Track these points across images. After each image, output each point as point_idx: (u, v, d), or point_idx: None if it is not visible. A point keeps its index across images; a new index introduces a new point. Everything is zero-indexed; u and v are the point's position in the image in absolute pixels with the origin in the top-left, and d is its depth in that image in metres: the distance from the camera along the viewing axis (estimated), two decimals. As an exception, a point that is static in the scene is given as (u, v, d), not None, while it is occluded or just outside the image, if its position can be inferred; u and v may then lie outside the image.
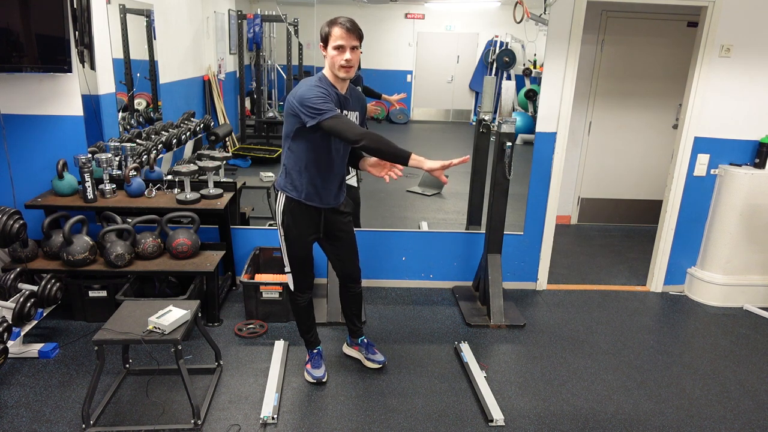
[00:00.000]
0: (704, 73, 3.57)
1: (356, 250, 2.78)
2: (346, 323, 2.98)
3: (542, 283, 4.02)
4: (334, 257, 2.77)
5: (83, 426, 2.36)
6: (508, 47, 5.15)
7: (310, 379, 2.79)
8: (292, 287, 2.71)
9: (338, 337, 3.21)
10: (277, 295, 3.31)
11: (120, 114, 3.69)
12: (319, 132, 2.31)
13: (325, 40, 2.31)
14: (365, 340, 2.99)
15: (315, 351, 2.86)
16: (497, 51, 5.17)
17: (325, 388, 2.76)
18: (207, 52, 4.70)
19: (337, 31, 2.26)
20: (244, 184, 4.07)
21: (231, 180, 3.80)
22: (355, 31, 2.28)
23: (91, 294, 3.22)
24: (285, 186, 2.50)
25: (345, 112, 2.42)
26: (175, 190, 3.48)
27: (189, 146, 4.33)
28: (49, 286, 2.95)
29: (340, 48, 2.27)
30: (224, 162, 3.84)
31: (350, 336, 3.01)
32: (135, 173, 3.39)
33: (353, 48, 2.29)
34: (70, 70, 3.18)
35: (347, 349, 3.04)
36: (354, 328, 2.96)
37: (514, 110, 3.69)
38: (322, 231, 2.64)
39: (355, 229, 2.81)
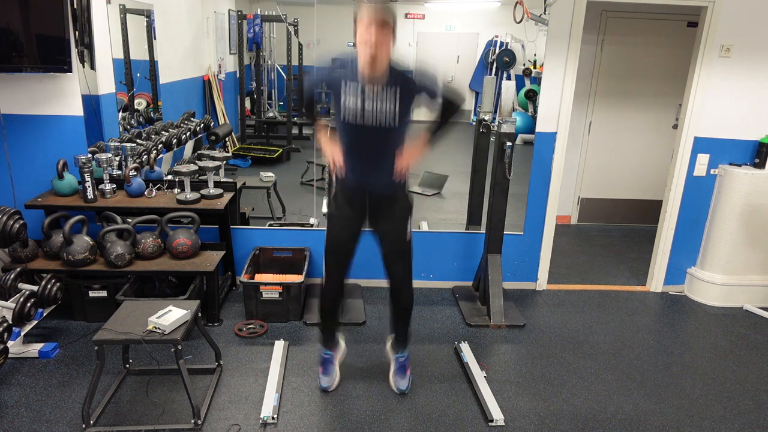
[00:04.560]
0: (704, 73, 3.57)
1: (403, 256, 2.53)
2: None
3: (542, 283, 4.02)
4: (382, 257, 2.57)
5: (83, 426, 2.36)
6: (508, 47, 5.15)
7: (318, 384, 2.75)
8: (323, 280, 2.61)
9: (347, 338, 3.14)
10: (277, 295, 3.31)
11: (120, 114, 3.69)
12: (335, 110, 2.31)
13: (356, 22, 2.18)
14: (401, 361, 2.76)
15: (326, 355, 2.77)
16: (497, 51, 5.17)
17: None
18: (207, 52, 4.70)
19: (365, 11, 2.11)
20: (244, 184, 4.07)
21: (231, 180, 3.80)
22: (385, 15, 2.11)
23: (91, 294, 3.22)
24: None
25: (369, 102, 2.22)
26: (175, 190, 3.48)
27: (189, 146, 4.33)
28: (49, 286, 2.95)
29: (365, 26, 2.11)
30: (224, 162, 3.84)
31: (393, 343, 2.82)
32: (135, 173, 3.39)
33: (381, 28, 2.10)
34: (70, 70, 3.18)
35: (388, 348, 2.88)
36: (396, 335, 2.75)
37: (514, 110, 3.69)
38: (368, 222, 2.50)
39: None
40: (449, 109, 2.41)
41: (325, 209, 2.56)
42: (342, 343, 2.93)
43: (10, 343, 2.70)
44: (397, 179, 2.40)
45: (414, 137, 2.43)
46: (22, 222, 2.81)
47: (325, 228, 2.56)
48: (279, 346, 3.07)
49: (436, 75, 2.32)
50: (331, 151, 2.39)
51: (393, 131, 2.31)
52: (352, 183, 2.42)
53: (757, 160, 3.68)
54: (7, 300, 2.85)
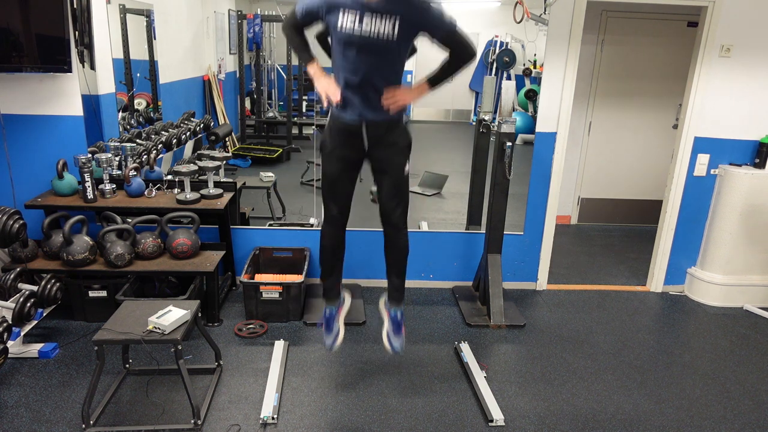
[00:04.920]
0: (704, 73, 3.57)
1: (400, 191, 2.42)
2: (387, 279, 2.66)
3: (542, 283, 4.02)
4: (378, 193, 2.47)
5: (83, 426, 2.36)
6: (508, 47, 5.15)
7: (324, 344, 2.69)
8: (322, 217, 2.53)
9: (346, 339, 3.12)
10: (277, 295, 3.31)
11: (120, 114, 3.69)
12: (333, 32, 2.19)
13: None
14: (397, 316, 2.63)
15: (328, 312, 2.67)
16: (497, 51, 5.17)
17: (325, 388, 2.76)
18: (207, 52, 4.70)
19: None
20: (244, 184, 4.07)
21: (231, 180, 3.80)
22: None
23: (91, 294, 3.22)
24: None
25: (368, 19, 2.11)
26: (175, 190, 3.48)
27: (189, 146, 4.33)
28: (49, 286, 2.95)
29: None
30: (224, 162, 3.84)
31: (387, 297, 2.69)
32: (135, 173, 3.39)
33: None
34: (70, 70, 3.18)
35: (381, 305, 2.76)
36: (389, 287, 2.63)
37: (514, 110, 3.70)
38: (366, 155, 2.39)
39: None
40: (456, 60, 2.28)
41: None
42: (347, 298, 2.79)
43: (10, 343, 2.70)
44: (393, 111, 2.28)
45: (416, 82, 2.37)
46: (22, 222, 2.81)
47: (321, 153, 2.42)
48: (279, 346, 3.07)
49: (443, 14, 2.18)
50: (325, 80, 2.29)
51: (391, 50, 2.18)
52: (348, 112, 2.29)
53: (757, 160, 3.68)
54: (7, 300, 2.84)
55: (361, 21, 2.12)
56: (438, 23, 2.19)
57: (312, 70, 2.35)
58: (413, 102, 2.38)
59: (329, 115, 2.40)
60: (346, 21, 2.14)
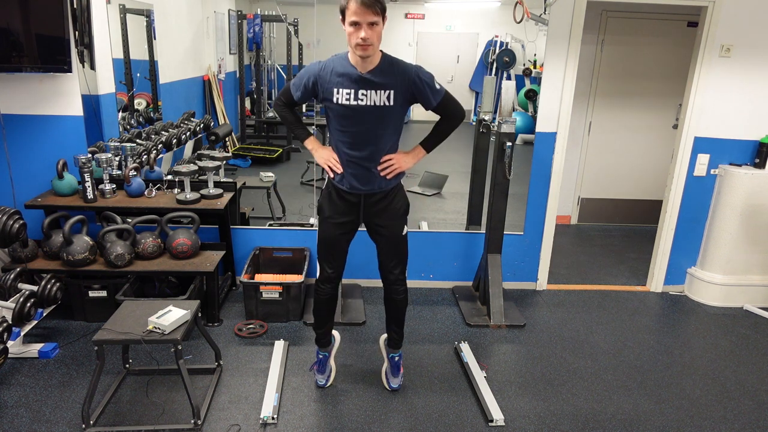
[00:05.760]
0: (704, 73, 3.57)
1: (398, 252, 2.54)
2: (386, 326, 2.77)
3: (542, 283, 4.02)
4: (378, 253, 2.57)
5: (83, 426, 2.36)
6: (508, 47, 5.15)
7: (315, 382, 2.78)
8: (317, 274, 2.63)
9: (346, 338, 3.14)
10: (277, 295, 3.31)
11: (120, 114, 3.69)
12: (330, 107, 2.27)
13: (342, 14, 2.11)
14: (395, 359, 2.75)
15: (321, 356, 2.76)
16: (497, 51, 5.17)
17: (325, 388, 2.76)
18: (207, 52, 4.70)
19: (352, 6, 2.04)
20: (244, 184, 4.07)
21: (231, 180, 3.80)
22: (373, 5, 2.04)
23: (91, 294, 3.22)
24: None
25: (363, 92, 2.20)
26: (175, 190, 3.48)
27: (189, 146, 4.33)
28: (49, 286, 2.95)
29: (355, 24, 2.07)
30: (224, 162, 3.84)
31: (387, 341, 2.81)
32: (135, 173, 3.39)
33: (371, 24, 2.06)
34: (70, 70, 3.18)
35: (381, 343, 2.87)
36: (389, 334, 2.74)
37: (514, 110, 3.69)
38: (362, 220, 2.48)
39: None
40: (448, 122, 2.41)
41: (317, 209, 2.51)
42: (336, 337, 2.87)
43: (10, 343, 2.70)
44: (389, 177, 2.37)
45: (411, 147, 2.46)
46: (22, 222, 2.81)
47: (318, 227, 2.54)
48: (279, 346, 3.07)
49: (433, 81, 2.30)
50: (325, 152, 2.40)
51: (387, 115, 2.26)
52: (345, 181, 2.37)
53: (757, 160, 3.68)
54: (7, 300, 2.84)
55: (356, 97, 2.21)
56: (430, 94, 2.29)
57: (310, 145, 2.45)
58: (409, 168, 2.45)
59: (327, 182, 2.49)
60: (342, 97, 2.22)
